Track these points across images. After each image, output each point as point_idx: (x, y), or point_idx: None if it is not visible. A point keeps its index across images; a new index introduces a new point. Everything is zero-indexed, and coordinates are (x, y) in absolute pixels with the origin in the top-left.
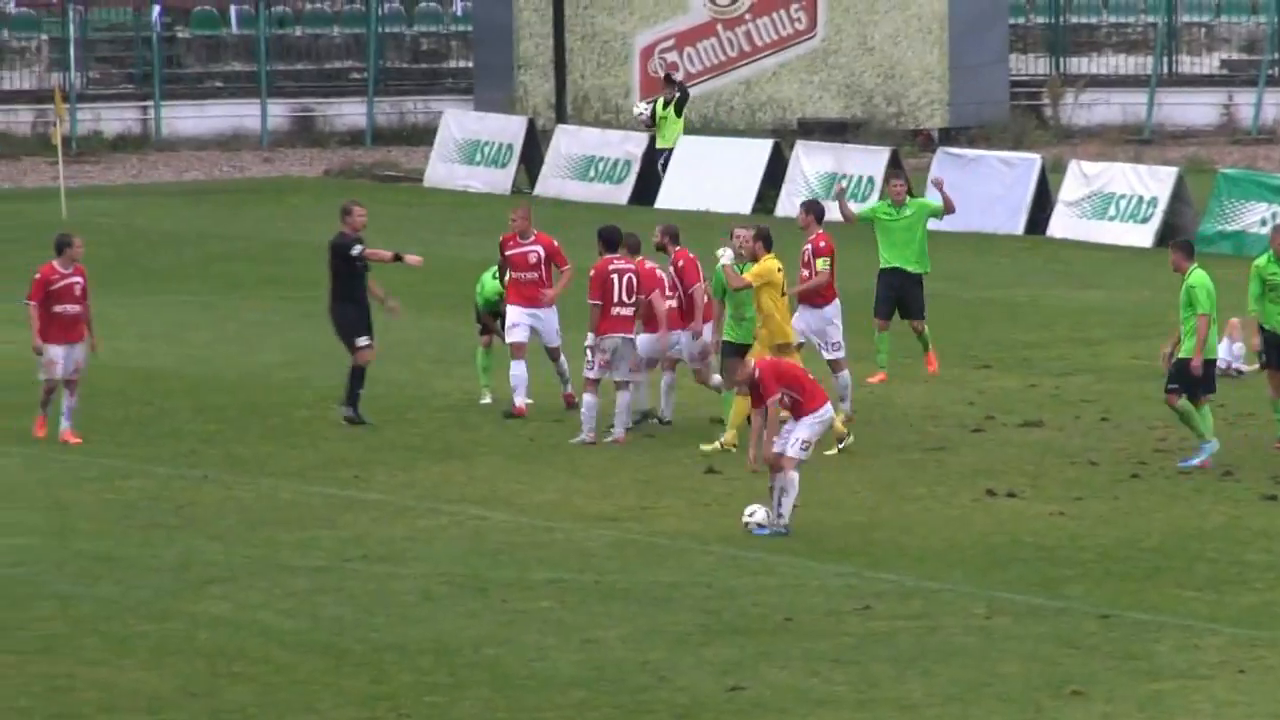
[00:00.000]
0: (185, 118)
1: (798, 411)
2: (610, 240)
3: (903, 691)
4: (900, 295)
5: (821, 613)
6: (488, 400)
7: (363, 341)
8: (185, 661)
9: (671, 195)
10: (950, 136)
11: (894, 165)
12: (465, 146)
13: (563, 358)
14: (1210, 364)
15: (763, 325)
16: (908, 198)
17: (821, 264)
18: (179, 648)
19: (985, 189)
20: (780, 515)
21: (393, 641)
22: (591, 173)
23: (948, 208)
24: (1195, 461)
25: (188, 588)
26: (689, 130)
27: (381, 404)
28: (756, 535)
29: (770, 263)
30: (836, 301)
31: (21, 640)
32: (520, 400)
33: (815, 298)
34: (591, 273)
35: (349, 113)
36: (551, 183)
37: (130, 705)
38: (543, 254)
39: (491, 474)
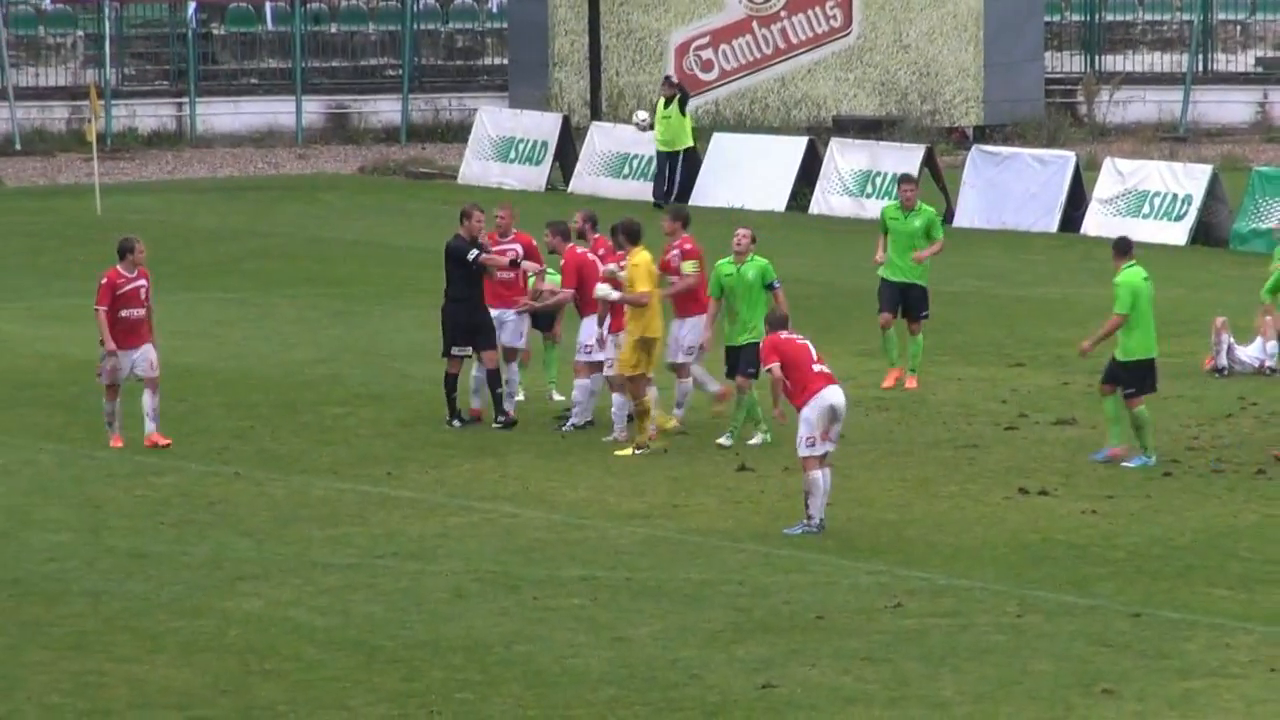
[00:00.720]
0: (220, 114)
1: (792, 399)
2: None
3: (933, 689)
4: (903, 294)
5: (853, 610)
6: (558, 397)
7: (458, 351)
8: (216, 658)
9: (705, 192)
10: (985, 134)
11: (927, 163)
12: (500, 144)
13: (515, 369)
14: (1147, 364)
15: (633, 318)
16: (919, 204)
17: (689, 267)
18: (210, 644)
19: (1019, 186)
20: (810, 516)
21: (424, 639)
22: (626, 170)
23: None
24: (1104, 454)
25: (219, 584)
26: (724, 127)
27: (414, 400)
28: (788, 534)
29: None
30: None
31: (53, 637)
32: (510, 405)
33: (692, 305)
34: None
35: (384, 110)
36: (586, 180)
37: (161, 702)
38: (521, 253)
39: (524, 471)
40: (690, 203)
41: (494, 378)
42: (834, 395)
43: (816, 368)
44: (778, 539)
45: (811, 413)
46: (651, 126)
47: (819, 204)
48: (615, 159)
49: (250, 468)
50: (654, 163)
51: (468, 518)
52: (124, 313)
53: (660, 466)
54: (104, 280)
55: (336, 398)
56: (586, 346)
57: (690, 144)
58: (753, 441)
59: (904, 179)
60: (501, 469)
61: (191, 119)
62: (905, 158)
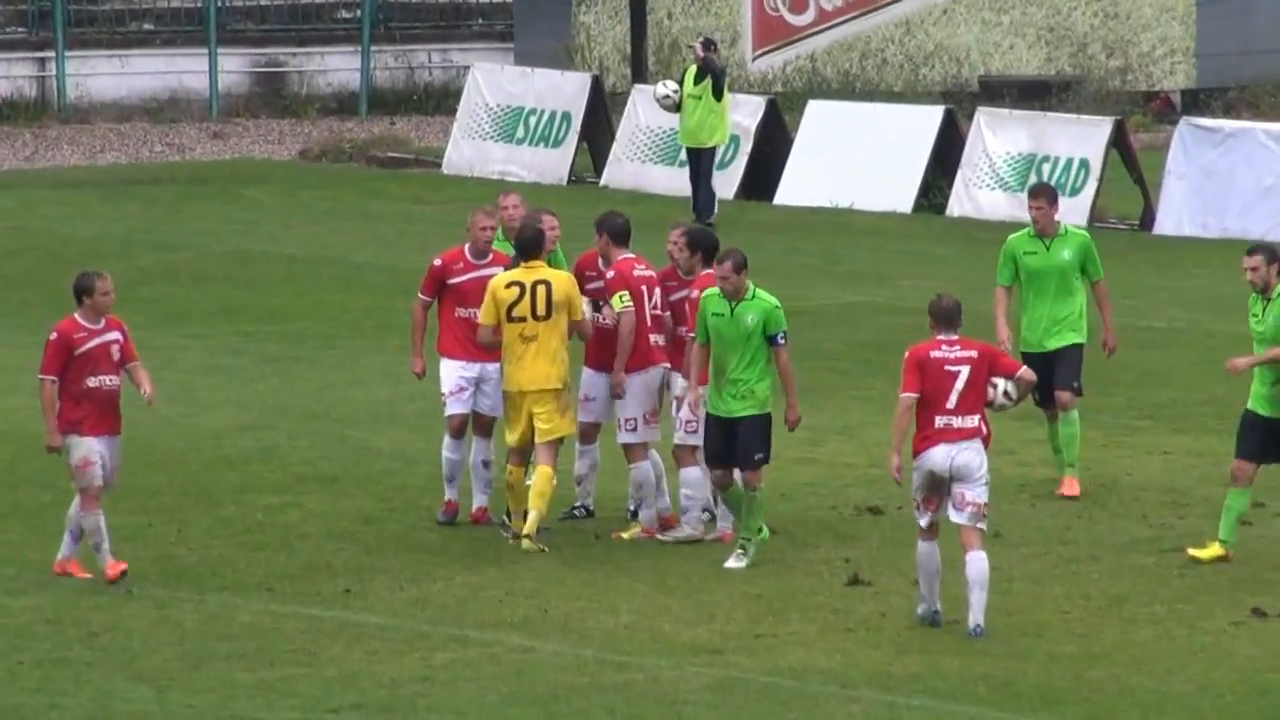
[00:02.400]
0: (101, 75)
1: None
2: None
3: None
4: (1044, 361)
5: None
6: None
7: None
8: None
9: (798, 187)
10: (1198, 101)
11: (1116, 144)
12: (502, 116)
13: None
14: None
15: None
16: (1063, 227)
17: (617, 303)
18: None
19: (1248, 178)
20: (922, 597)
21: None
22: (684, 154)
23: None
24: None
25: None
26: (823, 93)
27: (382, 484)
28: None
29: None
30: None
31: None
32: (479, 498)
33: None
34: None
35: (335, 68)
36: (626, 168)
37: None
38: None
39: (540, 586)
40: (776, 201)
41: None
42: (939, 458)
43: (942, 420)
44: (905, 682)
45: (916, 474)
46: (678, 106)
47: (961, 202)
48: (667, 138)
49: (148, 583)
50: (724, 144)
51: (460, 654)
52: (90, 382)
53: (734, 578)
54: (53, 335)
55: (271, 482)
56: (688, 423)
57: (722, 139)
58: (730, 564)
59: (1034, 191)
60: (508, 582)
61: (59, 81)
62: (1083, 137)
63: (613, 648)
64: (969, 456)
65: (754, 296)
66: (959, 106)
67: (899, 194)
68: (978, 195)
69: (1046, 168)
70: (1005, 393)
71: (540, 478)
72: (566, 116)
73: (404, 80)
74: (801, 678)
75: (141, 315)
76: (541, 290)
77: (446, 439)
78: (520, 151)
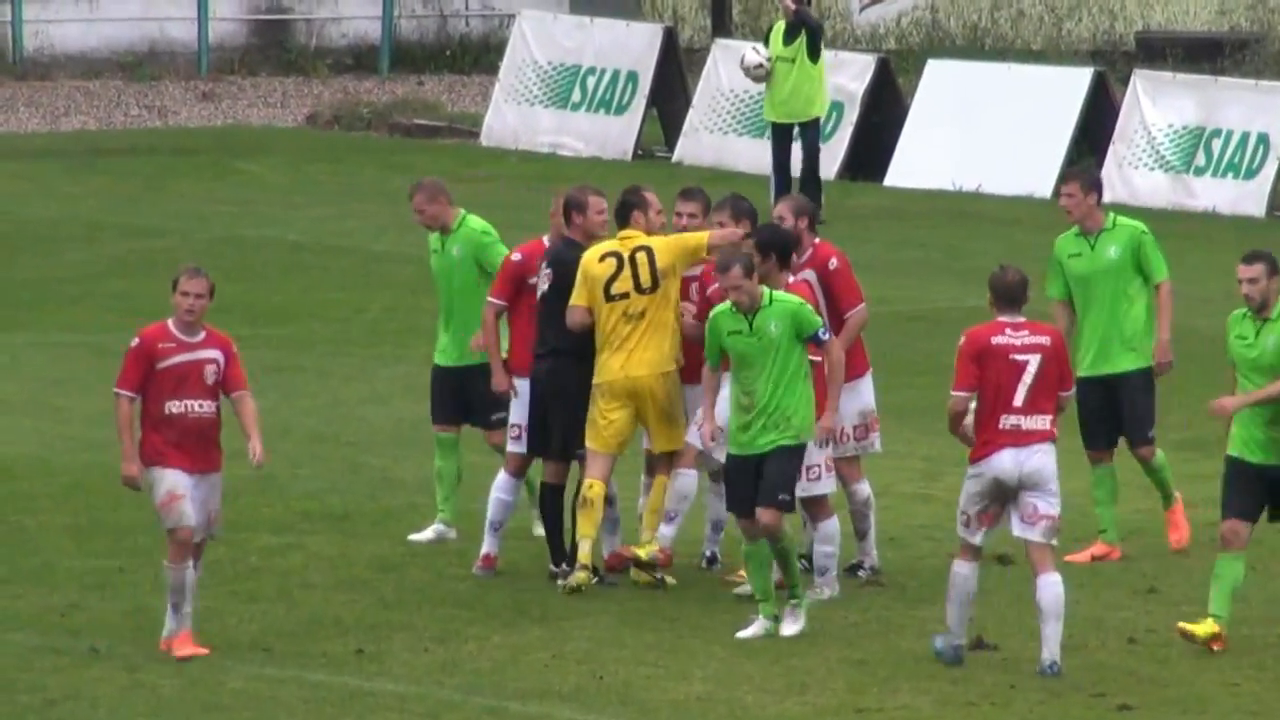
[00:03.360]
0: (64, 21)
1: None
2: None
3: None
4: (1112, 404)
5: None
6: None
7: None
8: None
9: (915, 165)
10: None
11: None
12: (554, 77)
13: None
14: None
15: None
16: (1110, 218)
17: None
18: None
19: None
20: (949, 629)
21: None
22: (769, 130)
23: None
24: None
25: None
26: (945, 51)
27: (403, 522)
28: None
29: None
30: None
31: None
32: (609, 540)
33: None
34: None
35: (351, 16)
36: (704, 140)
37: None
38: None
39: (596, 648)
40: (887, 183)
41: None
42: (1007, 465)
43: (1009, 420)
44: None
45: (973, 481)
46: (767, 75)
47: (1115, 183)
48: (756, 105)
49: (117, 640)
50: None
51: None
52: (174, 406)
53: (831, 643)
54: (135, 342)
55: (268, 519)
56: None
57: (821, 110)
58: (746, 632)
59: (1068, 176)
60: (558, 644)
61: (15, 29)
62: (1264, 106)
63: None
64: (1041, 461)
65: (771, 301)
66: (1112, 68)
67: (1037, 175)
68: (1133, 177)
69: (1217, 143)
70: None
71: (659, 490)
72: (633, 77)
73: (435, 32)
74: None
75: (111, 314)
76: (643, 258)
77: (501, 476)
78: (575, 119)
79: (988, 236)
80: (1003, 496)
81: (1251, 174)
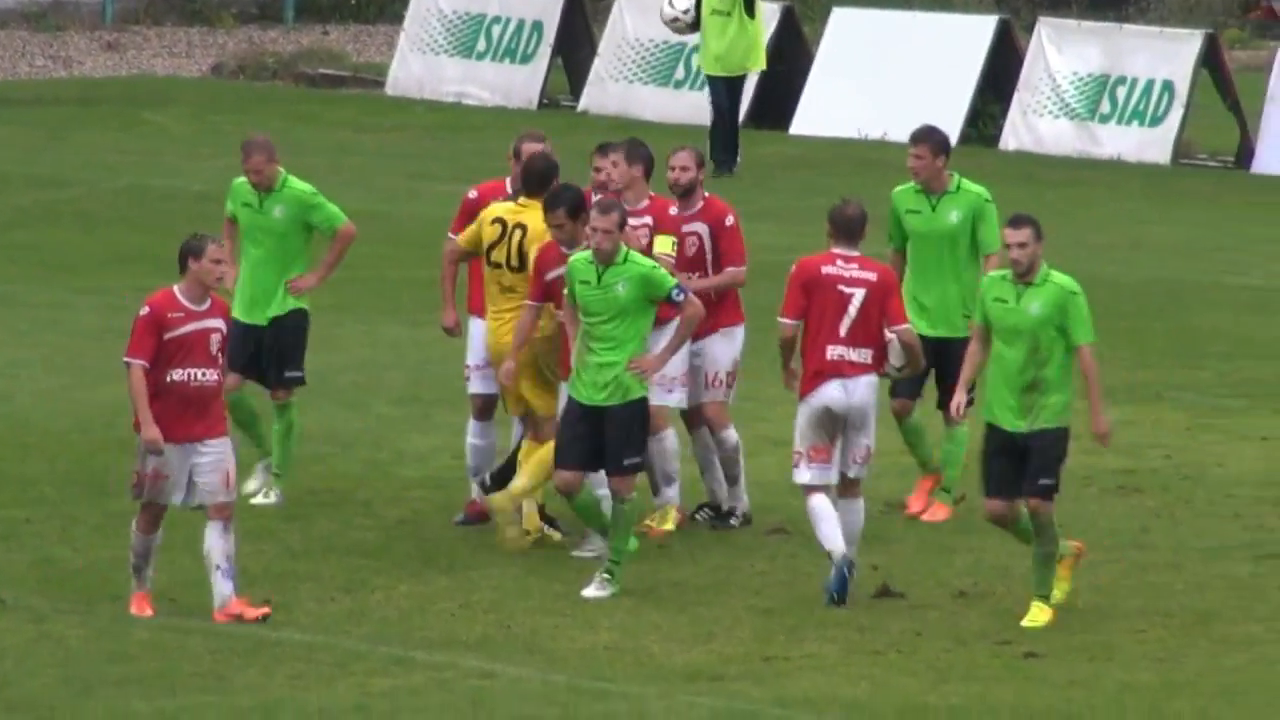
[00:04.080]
0: None
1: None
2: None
3: None
4: (937, 354)
5: None
6: None
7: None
8: None
9: (820, 114)
10: None
11: (1207, 63)
12: (459, 26)
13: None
14: None
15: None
16: (955, 180)
17: (664, 245)
18: None
19: None
20: (829, 554)
21: None
22: (681, 72)
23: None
24: None
25: None
26: (849, 0)
27: (308, 472)
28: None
29: None
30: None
31: None
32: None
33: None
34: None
35: None
36: (610, 89)
37: None
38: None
39: (503, 598)
40: (792, 131)
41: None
42: (835, 395)
43: (835, 351)
44: (945, 717)
45: (805, 413)
46: (695, 25)
47: (1020, 131)
48: (662, 54)
49: (25, 591)
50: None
51: (403, 679)
52: (176, 374)
53: (737, 592)
54: (144, 311)
55: None
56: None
57: (758, 64)
58: (591, 592)
59: (917, 137)
60: (464, 592)
61: None
62: (1168, 54)
63: (590, 672)
64: (866, 395)
65: (626, 258)
66: (1016, 16)
67: (943, 122)
68: (1038, 124)
69: (1121, 91)
70: (894, 350)
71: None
72: (537, 26)
73: None
74: (820, 710)
75: (16, 265)
76: (518, 236)
77: (471, 423)
78: (481, 69)
79: (893, 184)
80: (833, 429)
81: (1157, 121)
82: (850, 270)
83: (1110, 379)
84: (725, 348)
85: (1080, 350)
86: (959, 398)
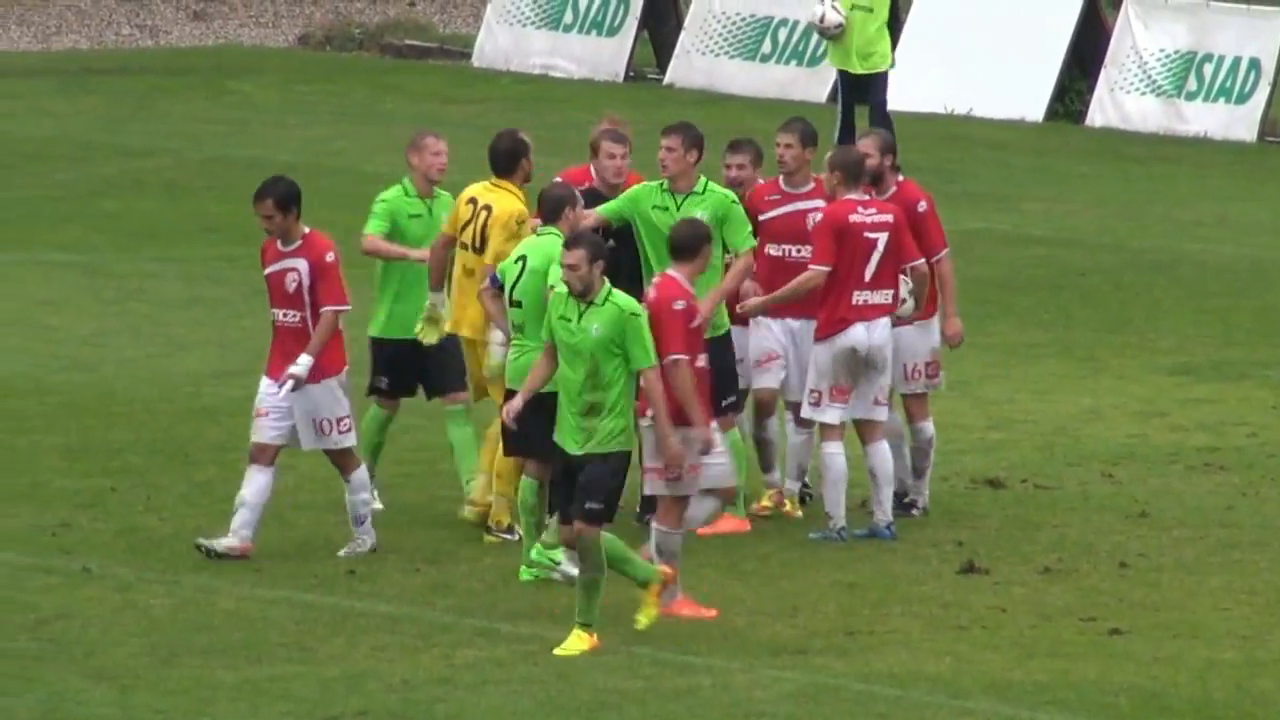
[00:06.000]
0: None
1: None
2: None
3: None
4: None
5: None
6: None
7: None
8: None
9: (904, 89)
10: None
11: None
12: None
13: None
14: None
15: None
16: (700, 180)
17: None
18: None
19: None
20: (829, 516)
21: None
22: (768, 46)
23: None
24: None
25: None
26: None
27: (397, 443)
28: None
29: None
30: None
31: None
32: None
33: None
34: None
35: None
36: (696, 62)
37: None
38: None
39: None
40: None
41: None
42: (860, 338)
43: (860, 295)
44: (1030, 693)
45: (826, 353)
46: (838, 30)
47: (1104, 109)
48: (749, 27)
49: (109, 560)
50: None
51: (488, 651)
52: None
53: (824, 566)
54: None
55: None
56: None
57: (891, 63)
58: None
59: (668, 129)
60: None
61: None
62: (1256, 30)
63: (674, 646)
64: (884, 335)
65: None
66: None
67: (1028, 99)
68: (1124, 101)
69: (1209, 68)
70: (904, 284)
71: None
72: (624, 0)
73: None
74: (903, 685)
75: (103, 234)
76: (483, 216)
77: None
78: (567, 41)
79: (979, 160)
80: (855, 370)
81: (1243, 99)
82: (870, 215)
83: (1196, 356)
84: (921, 339)
85: (641, 373)
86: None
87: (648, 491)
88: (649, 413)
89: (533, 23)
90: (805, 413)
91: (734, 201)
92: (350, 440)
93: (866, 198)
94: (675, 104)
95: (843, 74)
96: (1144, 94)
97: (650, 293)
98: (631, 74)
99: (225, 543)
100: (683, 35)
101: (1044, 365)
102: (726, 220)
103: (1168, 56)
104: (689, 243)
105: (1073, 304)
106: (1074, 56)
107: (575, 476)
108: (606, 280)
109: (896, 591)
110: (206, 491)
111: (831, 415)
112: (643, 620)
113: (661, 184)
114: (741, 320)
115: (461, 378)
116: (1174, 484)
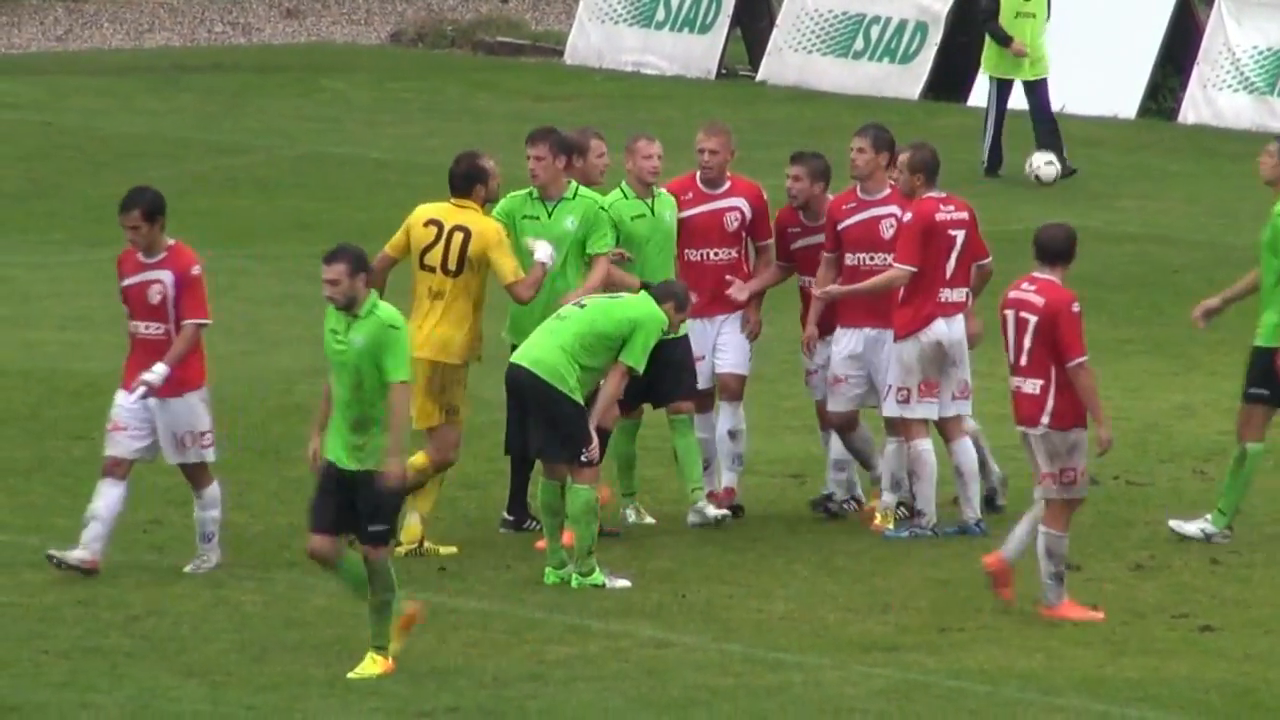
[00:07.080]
0: None
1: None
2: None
3: None
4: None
5: None
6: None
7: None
8: None
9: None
10: None
11: None
12: None
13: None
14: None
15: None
16: (570, 185)
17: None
18: None
19: None
20: (919, 513)
21: None
22: (860, 43)
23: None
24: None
25: None
26: None
27: (489, 440)
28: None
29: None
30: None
31: None
32: (726, 476)
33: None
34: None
35: None
36: (789, 59)
37: None
38: (747, 214)
39: (678, 567)
40: (970, 103)
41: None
42: (944, 332)
43: (943, 293)
44: (1122, 690)
45: (912, 350)
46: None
47: (1196, 107)
48: (841, 23)
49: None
50: (907, 31)
51: (579, 648)
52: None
53: (915, 563)
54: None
55: None
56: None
57: (1048, 71)
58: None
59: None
60: (638, 563)
61: None
62: None
63: (764, 643)
64: (961, 331)
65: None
66: None
67: (1121, 96)
68: (1217, 98)
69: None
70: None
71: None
72: None
73: None
74: (995, 682)
75: (195, 232)
76: (458, 239)
77: (697, 418)
78: (659, 38)
79: (1071, 157)
80: (941, 364)
81: None
82: (951, 212)
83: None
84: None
85: (391, 388)
86: None
87: (1037, 496)
88: (1043, 420)
89: (625, 20)
90: (892, 410)
91: (601, 208)
92: (210, 455)
93: (945, 194)
94: (767, 101)
95: (1001, 82)
96: (1236, 91)
97: (1035, 299)
98: (724, 71)
99: (76, 555)
100: (775, 32)
101: (1136, 362)
102: (592, 226)
103: (1260, 53)
104: (1063, 245)
105: (1165, 301)
106: (1167, 54)
107: (341, 490)
108: (374, 293)
109: (988, 588)
110: (298, 489)
111: (923, 411)
112: (395, 648)
113: (531, 192)
114: (825, 329)
115: (689, 388)
116: (1265, 480)
